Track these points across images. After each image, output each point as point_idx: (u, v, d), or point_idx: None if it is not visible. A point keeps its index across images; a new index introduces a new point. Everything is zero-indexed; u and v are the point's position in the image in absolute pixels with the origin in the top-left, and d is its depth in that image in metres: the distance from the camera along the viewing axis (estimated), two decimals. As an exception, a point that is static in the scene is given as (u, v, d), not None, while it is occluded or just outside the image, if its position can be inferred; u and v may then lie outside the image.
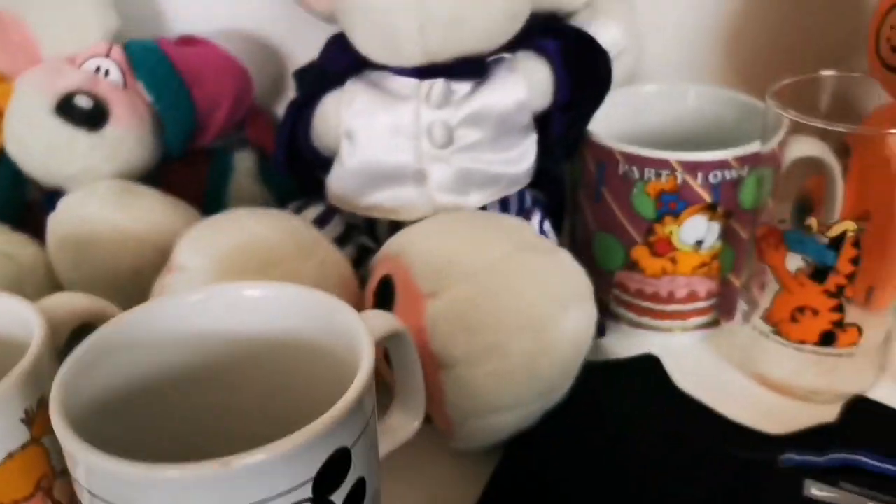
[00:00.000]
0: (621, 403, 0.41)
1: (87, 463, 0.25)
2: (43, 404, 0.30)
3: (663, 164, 0.43)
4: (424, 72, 0.42)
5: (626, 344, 0.47)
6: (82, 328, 0.35)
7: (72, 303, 0.35)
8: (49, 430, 0.27)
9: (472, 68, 0.42)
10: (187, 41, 0.51)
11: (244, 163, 0.53)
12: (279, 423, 0.27)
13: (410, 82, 0.42)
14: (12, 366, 0.30)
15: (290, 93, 0.50)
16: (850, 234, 0.39)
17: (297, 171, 0.48)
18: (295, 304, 0.32)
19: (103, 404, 0.29)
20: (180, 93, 0.47)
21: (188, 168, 0.51)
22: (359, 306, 0.40)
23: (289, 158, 0.47)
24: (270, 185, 0.53)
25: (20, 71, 0.47)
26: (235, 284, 0.32)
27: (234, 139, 0.54)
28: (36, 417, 0.30)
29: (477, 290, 0.35)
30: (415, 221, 0.42)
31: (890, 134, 0.39)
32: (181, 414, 0.32)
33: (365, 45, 0.42)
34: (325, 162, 0.46)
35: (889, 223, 0.40)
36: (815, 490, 0.35)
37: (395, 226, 0.44)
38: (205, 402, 0.32)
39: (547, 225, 0.47)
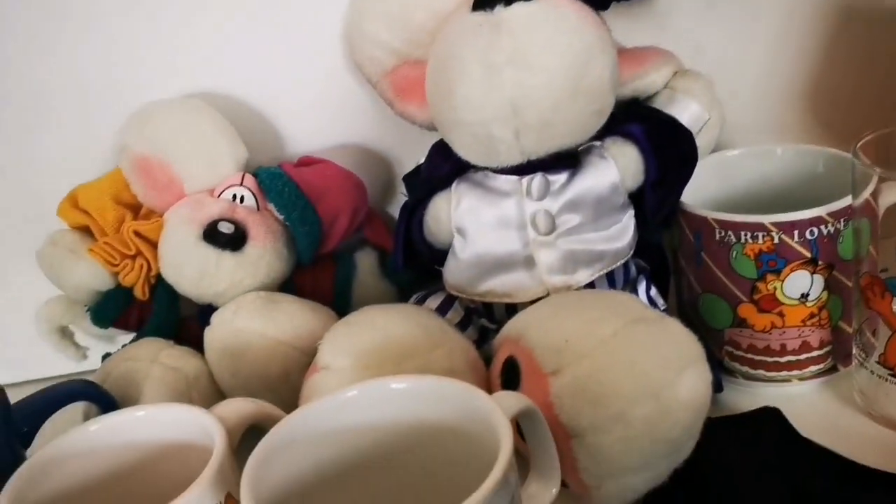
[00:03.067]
0: (747, 456, 0.43)
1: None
2: (230, 499, 0.35)
3: (758, 226, 0.44)
4: (523, 169, 0.45)
5: (745, 396, 0.48)
6: (250, 429, 0.40)
7: (242, 408, 0.40)
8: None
9: (566, 161, 0.46)
10: (306, 161, 0.57)
11: (366, 262, 0.58)
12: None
13: (511, 179, 0.46)
14: (197, 467, 0.35)
15: (401, 196, 0.55)
16: (950, 274, 0.40)
17: (415, 267, 0.53)
18: (434, 394, 0.35)
19: (282, 496, 0.33)
20: (307, 210, 0.53)
21: (317, 272, 0.57)
22: (485, 384, 0.44)
23: (406, 257, 0.51)
24: (392, 279, 0.58)
25: (168, 206, 0.54)
26: (382, 380, 0.36)
27: (355, 241, 0.59)
28: (226, 511, 0.35)
29: (595, 366, 0.38)
30: (528, 302, 0.46)
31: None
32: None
33: (466, 153, 0.46)
34: (439, 255, 0.51)
35: None
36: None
37: (510, 307, 0.48)
38: (367, 487, 0.36)
39: (653, 291, 0.50)
